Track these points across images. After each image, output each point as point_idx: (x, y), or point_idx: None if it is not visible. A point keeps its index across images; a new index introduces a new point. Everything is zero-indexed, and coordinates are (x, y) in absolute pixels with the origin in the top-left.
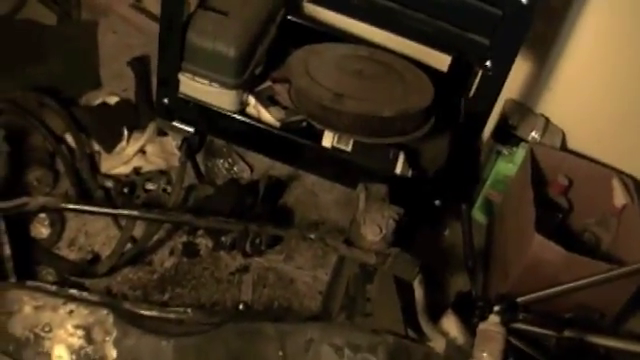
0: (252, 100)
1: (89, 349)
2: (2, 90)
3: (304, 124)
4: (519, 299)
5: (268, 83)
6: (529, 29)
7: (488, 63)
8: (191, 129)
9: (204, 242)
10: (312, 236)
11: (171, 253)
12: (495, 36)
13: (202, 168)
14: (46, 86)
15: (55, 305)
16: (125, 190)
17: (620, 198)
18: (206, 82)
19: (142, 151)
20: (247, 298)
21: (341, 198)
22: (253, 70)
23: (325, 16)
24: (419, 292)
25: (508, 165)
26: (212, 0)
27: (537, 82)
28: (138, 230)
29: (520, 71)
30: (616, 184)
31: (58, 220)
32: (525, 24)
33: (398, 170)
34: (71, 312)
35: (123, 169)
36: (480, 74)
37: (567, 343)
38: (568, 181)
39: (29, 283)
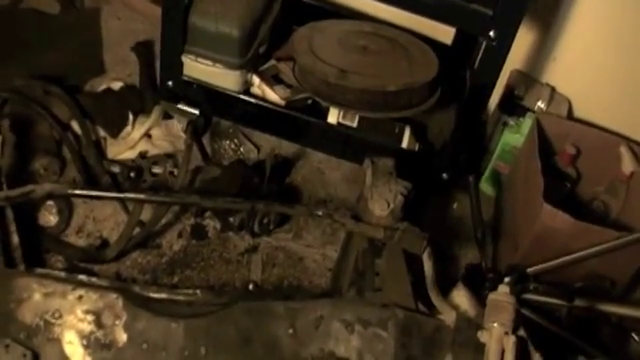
0: (256, 80)
1: (99, 334)
2: (7, 79)
3: (309, 102)
4: (529, 270)
5: (272, 62)
6: None
7: (492, 33)
8: (196, 111)
9: (212, 224)
10: (320, 213)
11: (179, 236)
12: (498, 6)
13: (208, 150)
14: (51, 74)
15: (64, 291)
16: (132, 175)
17: (628, 165)
18: (210, 63)
19: (148, 135)
20: (257, 278)
21: (348, 175)
22: (257, 49)
23: None
24: (428, 265)
25: (515, 136)
26: None
27: (542, 52)
28: (146, 214)
29: (524, 41)
30: (624, 151)
31: (66, 207)
32: None
33: (405, 144)
34: (80, 297)
35: (129, 154)
36: (484, 45)
37: (578, 312)
38: (576, 150)
39: (38, 270)
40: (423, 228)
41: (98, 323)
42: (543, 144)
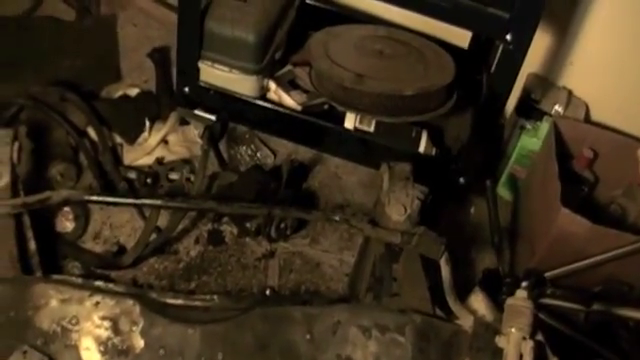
0: (273, 85)
1: (116, 340)
2: (23, 86)
3: (326, 107)
4: (547, 274)
5: (288, 67)
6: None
7: (508, 37)
8: (213, 117)
9: (229, 229)
10: (337, 218)
11: (196, 241)
12: (514, 9)
13: (225, 156)
14: (67, 81)
15: (81, 297)
16: (148, 181)
17: None
18: (226, 69)
19: (164, 141)
20: (274, 283)
21: (365, 179)
22: (273, 55)
23: None
24: (446, 270)
25: (532, 140)
26: None
27: (558, 55)
28: (163, 220)
29: (541, 45)
30: None
31: (82, 214)
32: None
33: (422, 149)
34: (97, 304)
35: (146, 160)
36: (501, 48)
37: (596, 317)
38: (593, 153)
39: (55, 277)
40: (440, 233)
41: (115, 329)
42: (560, 148)
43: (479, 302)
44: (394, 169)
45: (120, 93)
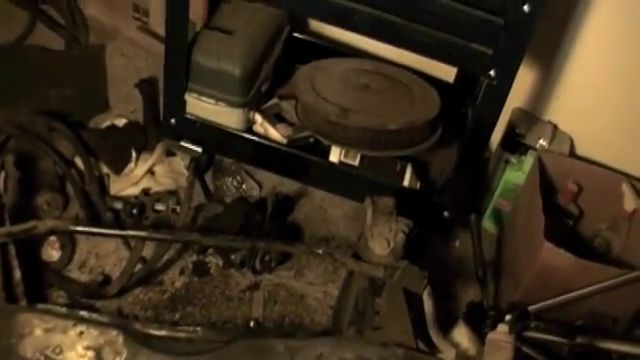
0: (259, 118)
1: None
2: (11, 115)
3: (311, 140)
4: (531, 307)
5: (275, 100)
6: (531, 37)
7: (492, 72)
8: (199, 148)
9: (214, 261)
10: (320, 251)
11: (181, 272)
12: (498, 45)
13: (211, 187)
14: (55, 110)
15: (65, 327)
16: (134, 211)
17: (630, 203)
18: (212, 102)
19: (151, 172)
20: (258, 315)
21: (350, 212)
22: (259, 88)
23: (330, 32)
24: (428, 304)
25: (517, 174)
26: (217, 20)
27: (543, 90)
28: (149, 251)
29: (526, 79)
30: (626, 189)
31: (68, 243)
32: (527, 32)
33: (406, 182)
34: (81, 333)
35: (132, 190)
36: (485, 84)
37: (579, 350)
38: (577, 187)
39: (40, 306)
40: (424, 266)
41: (98, 359)
42: (545, 182)
43: (462, 335)
44: (378, 203)
45: (108, 123)
